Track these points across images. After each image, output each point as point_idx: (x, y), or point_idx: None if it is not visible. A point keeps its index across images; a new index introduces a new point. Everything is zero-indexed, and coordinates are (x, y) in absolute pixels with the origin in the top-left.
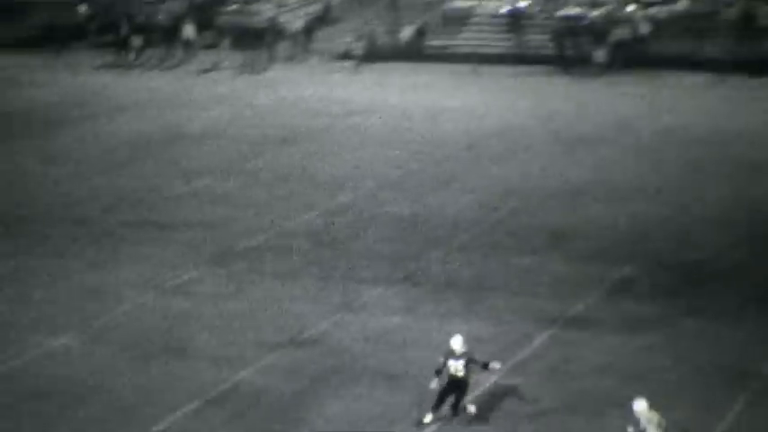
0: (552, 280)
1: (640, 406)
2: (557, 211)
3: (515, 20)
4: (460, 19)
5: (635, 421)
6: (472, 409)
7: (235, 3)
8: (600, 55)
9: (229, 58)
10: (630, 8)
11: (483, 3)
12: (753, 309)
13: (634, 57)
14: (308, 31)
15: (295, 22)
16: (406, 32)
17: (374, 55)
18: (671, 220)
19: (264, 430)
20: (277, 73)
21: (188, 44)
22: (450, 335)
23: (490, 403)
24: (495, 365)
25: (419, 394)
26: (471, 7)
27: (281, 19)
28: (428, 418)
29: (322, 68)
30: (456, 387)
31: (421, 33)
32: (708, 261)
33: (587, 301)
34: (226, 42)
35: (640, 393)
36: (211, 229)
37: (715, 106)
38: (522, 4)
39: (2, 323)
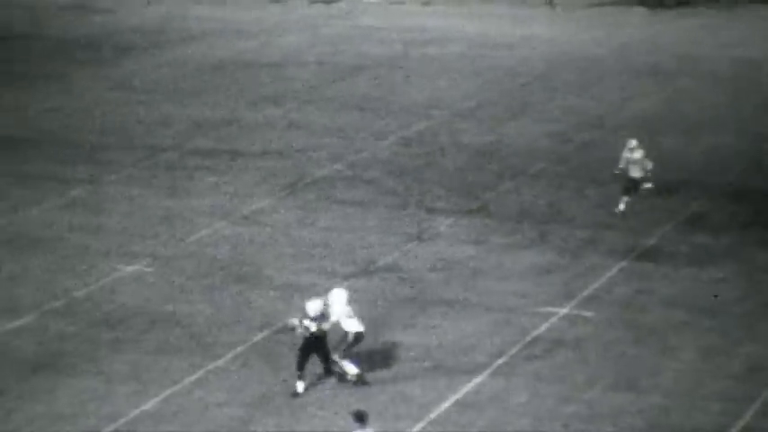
0: (625, 212)
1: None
2: None
3: None
4: None
5: None
6: (352, 369)
7: None
8: None
9: None
10: None
11: None
12: None
13: None
14: None
15: None
16: None
17: None
18: (745, 153)
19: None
20: (349, 1)
21: None
22: (520, 265)
23: (561, 334)
24: (352, 329)
25: (492, 325)
26: None
27: None
28: (300, 387)
29: None
30: (314, 346)
31: None
32: None
33: (659, 234)
34: None
35: (712, 326)
36: (285, 158)
37: None
38: None
39: (77, 249)
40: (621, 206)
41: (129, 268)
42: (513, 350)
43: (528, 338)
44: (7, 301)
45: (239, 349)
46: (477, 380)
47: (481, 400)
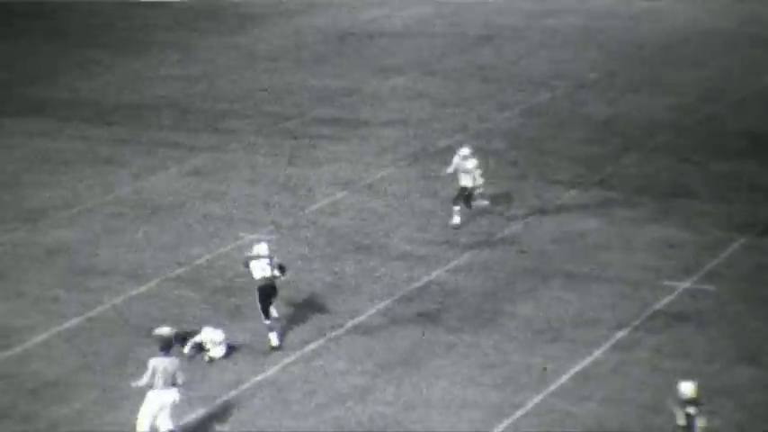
0: (749, 186)
1: None
2: (755, 115)
3: None
4: None
5: None
6: (275, 314)
7: None
8: None
9: None
10: None
11: None
12: None
13: None
14: None
15: None
16: None
17: None
18: None
19: (454, 329)
20: None
21: None
22: (642, 238)
23: (683, 308)
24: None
25: (613, 297)
26: None
27: None
28: (274, 340)
29: None
30: (269, 292)
31: None
32: None
33: None
34: None
35: None
36: (408, 128)
37: None
38: None
39: (200, 216)
40: (456, 219)
41: (251, 236)
42: (635, 323)
43: (649, 312)
44: (131, 268)
45: (360, 318)
46: (598, 352)
47: (601, 372)
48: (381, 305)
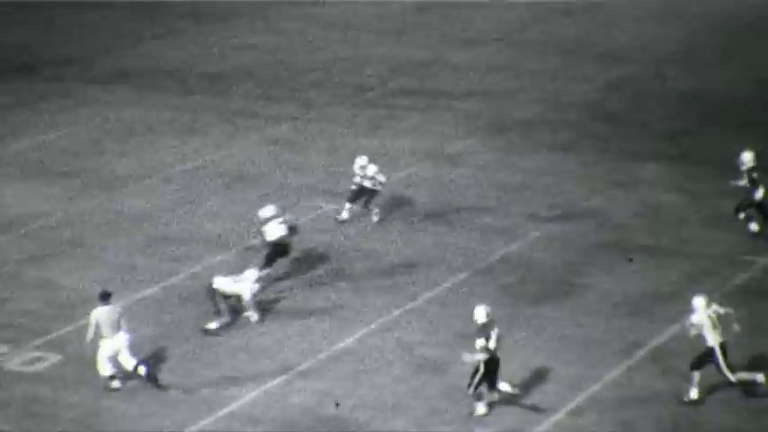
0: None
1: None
2: None
3: None
4: None
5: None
6: (254, 317)
7: None
8: None
9: None
10: None
11: None
12: None
13: None
14: None
15: None
16: None
17: None
18: None
19: (534, 302)
20: None
21: None
22: (722, 213)
23: (762, 284)
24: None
25: (693, 272)
26: None
27: None
28: (213, 324)
29: None
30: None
31: None
32: None
33: None
34: None
35: None
36: (488, 99)
37: None
38: None
39: (280, 186)
40: (345, 215)
41: (331, 206)
42: (715, 298)
43: (728, 287)
44: (209, 236)
45: (438, 290)
46: (677, 327)
47: (680, 346)
48: (459, 277)
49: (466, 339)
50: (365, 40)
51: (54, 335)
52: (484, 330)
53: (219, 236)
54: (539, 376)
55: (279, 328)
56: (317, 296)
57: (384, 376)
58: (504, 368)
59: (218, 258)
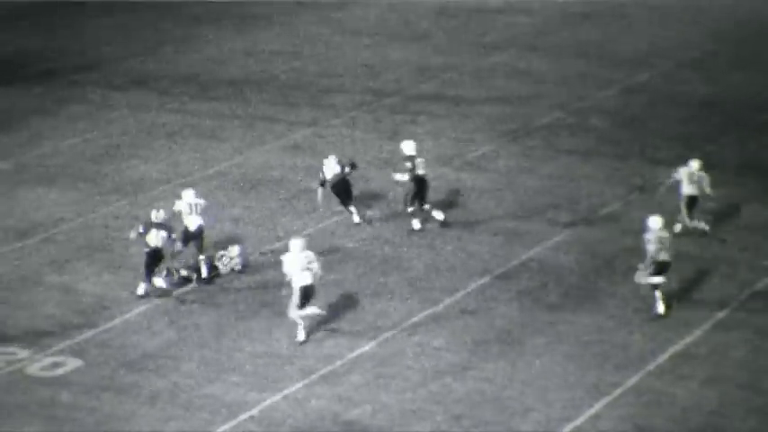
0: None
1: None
2: None
3: None
4: None
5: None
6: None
7: None
8: None
9: None
10: None
11: None
12: None
13: None
14: None
15: None
16: None
17: None
18: None
19: (552, 307)
20: None
21: None
22: (742, 218)
23: None
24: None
25: (714, 277)
26: None
27: None
28: (145, 286)
29: None
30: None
31: None
32: None
33: None
34: None
35: None
36: (508, 105)
37: None
38: None
39: (308, 191)
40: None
41: (351, 210)
42: (735, 303)
43: (749, 292)
44: (230, 241)
45: (458, 295)
46: (697, 332)
47: (700, 352)
48: (480, 282)
49: (486, 345)
50: (385, 46)
51: (75, 340)
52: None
53: (240, 241)
54: (559, 381)
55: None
56: (338, 301)
57: (404, 381)
58: (522, 374)
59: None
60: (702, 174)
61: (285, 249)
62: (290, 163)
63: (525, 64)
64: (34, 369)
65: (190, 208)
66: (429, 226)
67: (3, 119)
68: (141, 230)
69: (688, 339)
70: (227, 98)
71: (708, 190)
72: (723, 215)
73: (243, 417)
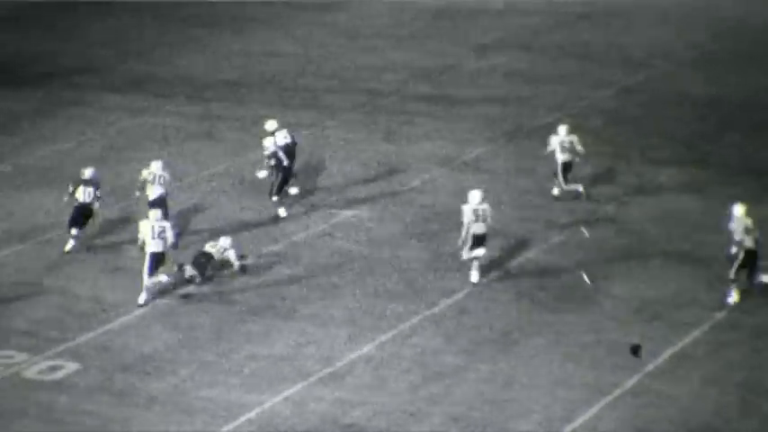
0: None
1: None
2: None
3: None
4: None
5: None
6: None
7: None
8: None
9: None
10: None
11: None
12: None
13: None
14: None
15: None
16: None
17: None
18: None
19: (553, 308)
20: None
21: None
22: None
23: None
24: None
25: (712, 278)
26: None
27: None
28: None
29: None
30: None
31: None
32: None
33: None
34: None
35: None
36: (505, 105)
37: None
38: None
39: (297, 192)
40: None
41: (348, 213)
42: (733, 304)
43: (748, 293)
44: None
45: (456, 296)
46: (695, 333)
47: (699, 352)
48: (481, 281)
49: (484, 347)
50: (382, 47)
51: (73, 343)
52: None
53: (238, 243)
54: (558, 382)
55: (297, 335)
56: (336, 303)
57: (402, 383)
58: (520, 375)
59: (236, 264)
60: (572, 137)
61: (284, 252)
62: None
63: (523, 64)
64: (32, 372)
65: (154, 178)
66: (425, 228)
67: (1, 121)
68: (70, 188)
69: (686, 340)
70: (222, 100)
71: (579, 148)
72: (723, 214)
73: (242, 419)
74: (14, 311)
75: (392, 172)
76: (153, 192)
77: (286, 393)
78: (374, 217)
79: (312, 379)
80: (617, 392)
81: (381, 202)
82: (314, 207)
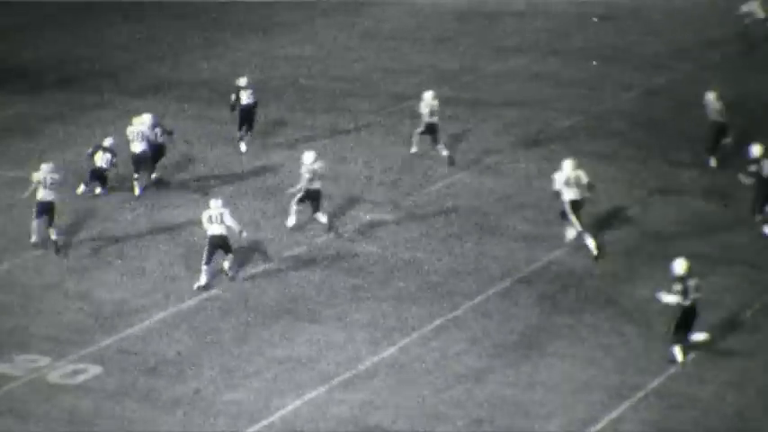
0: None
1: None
2: None
3: None
4: None
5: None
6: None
7: None
8: None
9: None
10: None
11: None
12: None
13: None
14: None
15: None
16: None
17: None
18: None
19: (573, 310)
20: None
21: None
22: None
23: None
24: None
25: (736, 280)
26: None
27: None
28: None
29: None
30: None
31: None
32: None
33: None
34: None
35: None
36: (527, 108)
37: None
38: None
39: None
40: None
41: (370, 216)
42: (757, 306)
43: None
44: (249, 247)
45: (478, 299)
46: (717, 335)
47: (721, 355)
48: (500, 286)
49: (507, 350)
50: (404, 50)
51: (95, 347)
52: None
53: (259, 246)
54: (580, 385)
55: (319, 339)
56: (358, 306)
57: (425, 386)
58: (543, 378)
59: (261, 268)
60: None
61: (307, 255)
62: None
63: (544, 67)
64: (55, 376)
65: (134, 135)
66: (448, 231)
67: (22, 126)
68: (89, 151)
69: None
70: None
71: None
72: (746, 217)
73: (264, 422)
74: (37, 316)
75: (415, 175)
76: (136, 147)
77: (308, 397)
78: (396, 220)
79: (334, 382)
80: (640, 394)
81: (403, 205)
82: (336, 210)
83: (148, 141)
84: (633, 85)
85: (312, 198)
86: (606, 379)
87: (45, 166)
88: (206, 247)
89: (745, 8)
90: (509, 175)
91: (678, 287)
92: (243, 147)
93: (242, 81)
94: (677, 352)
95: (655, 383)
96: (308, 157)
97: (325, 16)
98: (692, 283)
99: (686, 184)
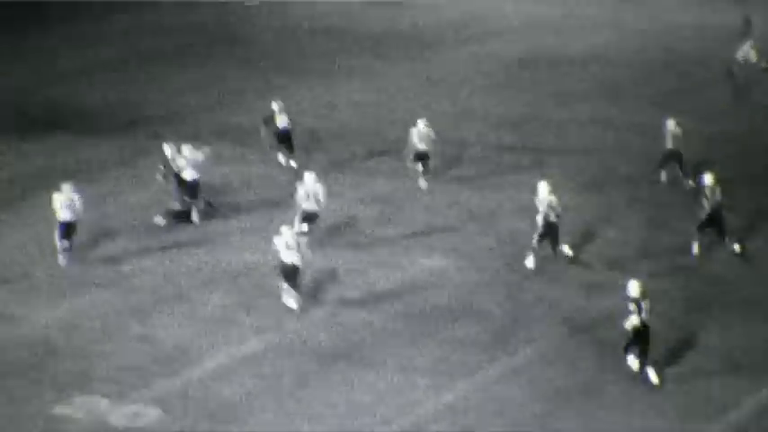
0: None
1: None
2: None
3: None
4: None
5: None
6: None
7: None
8: None
9: None
10: None
11: None
12: None
13: None
14: None
15: None
16: None
17: None
18: None
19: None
20: None
21: None
22: None
23: None
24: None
25: None
26: None
27: None
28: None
29: None
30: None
31: None
32: None
33: None
34: None
35: None
36: (590, 155)
37: None
38: None
39: (381, 241)
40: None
41: (431, 261)
42: None
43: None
44: (310, 292)
45: (538, 344)
46: None
47: None
48: (560, 332)
49: (567, 396)
50: (465, 96)
51: (156, 390)
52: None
53: (321, 291)
54: None
55: (378, 383)
56: (419, 351)
57: None
58: (604, 425)
59: (319, 313)
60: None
61: (368, 299)
62: (367, 212)
63: (606, 114)
64: (116, 419)
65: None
66: (509, 277)
67: (84, 169)
68: (162, 168)
69: None
70: (306, 149)
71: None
72: None
73: None
74: (98, 358)
75: (478, 221)
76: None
77: None
78: (457, 266)
79: (394, 427)
80: None
81: (464, 251)
82: (396, 255)
83: (197, 168)
84: (696, 133)
85: (309, 220)
86: (668, 426)
87: (66, 187)
88: (279, 275)
89: (740, 54)
90: (570, 222)
91: (632, 307)
92: (293, 163)
93: (275, 106)
94: (632, 360)
95: (715, 430)
96: (309, 177)
97: (385, 62)
98: (644, 304)
99: (748, 229)
